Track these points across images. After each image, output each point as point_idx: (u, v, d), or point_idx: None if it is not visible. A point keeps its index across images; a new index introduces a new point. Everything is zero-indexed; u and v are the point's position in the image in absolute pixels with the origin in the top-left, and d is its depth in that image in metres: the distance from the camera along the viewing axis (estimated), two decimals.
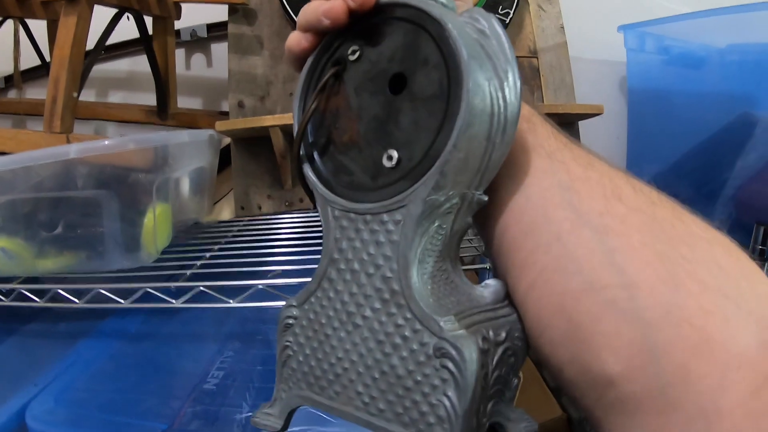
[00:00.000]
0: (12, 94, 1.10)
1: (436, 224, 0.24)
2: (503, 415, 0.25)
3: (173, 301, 0.57)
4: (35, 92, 1.08)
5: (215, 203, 0.84)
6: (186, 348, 0.65)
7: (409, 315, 0.23)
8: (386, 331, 0.24)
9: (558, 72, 0.89)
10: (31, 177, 0.62)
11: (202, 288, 0.56)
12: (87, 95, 1.06)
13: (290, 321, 0.27)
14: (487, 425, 0.24)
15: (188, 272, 0.60)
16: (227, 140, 0.85)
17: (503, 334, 0.24)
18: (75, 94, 0.67)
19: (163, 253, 0.65)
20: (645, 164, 0.97)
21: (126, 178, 0.61)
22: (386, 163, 0.24)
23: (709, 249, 0.22)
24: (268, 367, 0.61)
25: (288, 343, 0.27)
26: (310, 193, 0.27)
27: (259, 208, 0.83)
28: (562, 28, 0.90)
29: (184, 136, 0.63)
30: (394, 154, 0.23)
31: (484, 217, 0.26)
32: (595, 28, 0.97)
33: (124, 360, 0.62)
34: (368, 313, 0.24)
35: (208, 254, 0.65)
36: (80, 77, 0.68)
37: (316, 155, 0.27)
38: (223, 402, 0.55)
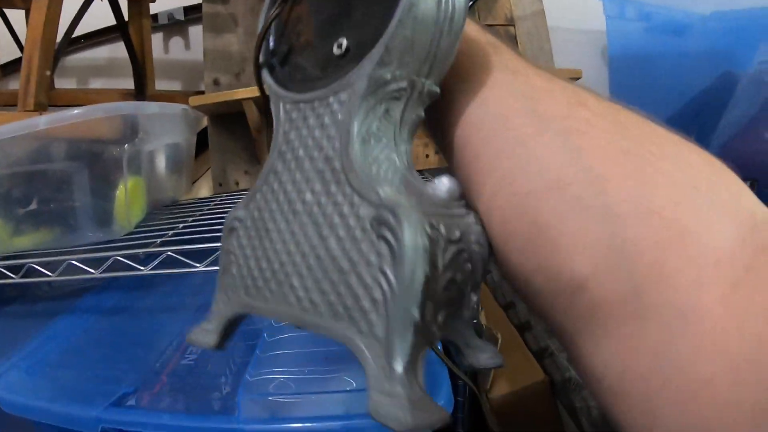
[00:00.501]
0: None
1: (383, 107, 0.23)
2: (462, 336, 0.24)
3: (142, 268, 0.56)
4: (16, 84, 1.09)
5: (194, 182, 0.84)
6: (163, 322, 0.65)
7: (348, 190, 0.22)
8: (324, 213, 0.22)
9: (536, 39, 0.88)
10: (4, 153, 0.63)
11: (169, 253, 0.56)
12: (67, 83, 1.07)
13: (235, 224, 0.26)
14: (440, 339, 0.22)
15: (159, 240, 0.60)
16: (205, 122, 0.85)
17: (457, 233, 0.22)
18: (47, 73, 0.68)
19: (137, 227, 0.65)
20: None
21: (97, 150, 0.61)
22: (336, 51, 0.23)
23: (677, 148, 0.21)
24: (249, 342, 0.60)
25: (230, 248, 0.26)
26: (266, 99, 0.27)
27: (237, 184, 0.83)
28: None
29: (153, 107, 0.63)
30: (343, 41, 0.23)
31: (444, 130, 0.26)
32: None
33: (98, 334, 0.62)
34: (308, 197, 0.23)
35: (180, 225, 0.65)
36: (53, 57, 0.69)
37: (275, 62, 0.27)
38: (200, 377, 0.55)
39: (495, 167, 0.23)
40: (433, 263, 0.20)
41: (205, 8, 0.81)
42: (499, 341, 0.65)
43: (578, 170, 0.20)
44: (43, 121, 0.58)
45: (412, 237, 0.19)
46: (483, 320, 0.68)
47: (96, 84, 1.08)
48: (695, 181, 0.20)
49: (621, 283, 0.19)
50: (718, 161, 0.21)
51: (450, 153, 0.26)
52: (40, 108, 0.67)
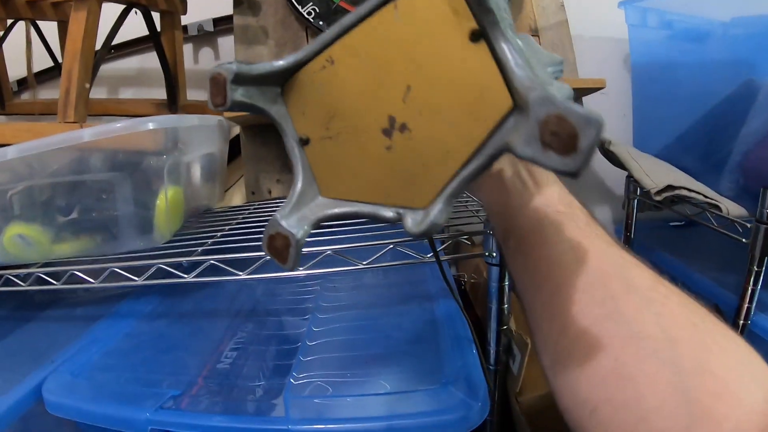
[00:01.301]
0: (26, 96, 1.13)
1: None
2: None
3: (185, 276, 0.58)
4: (48, 93, 1.11)
5: (226, 190, 0.86)
6: (200, 327, 0.66)
7: None
8: None
9: (560, 49, 0.89)
10: (47, 164, 0.64)
11: (212, 261, 0.57)
12: (98, 93, 1.09)
13: None
14: None
15: (200, 249, 0.61)
16: (236, 130, 0.86)
17: None
18: (87, 85, 0.69)
19: (175, 235, 0.66)
20: (651, 139, 0.97)
21: (138, 161, 0.62)
22: None
23: (725, 330, 0.27)
24: (283, 346, 0.62)
25: None
26: None
27: (269, 192, 0.84)
28: (563, 6, 0.91)
29: (193, 119, 0.65)
30: None
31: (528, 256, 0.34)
32: (596, 4, 0.97)
33: (139, 339, 0.63)
34: None
35: (219, 234, 0.67)
36: (92, 69, 0.71)
37: None
38: (237, 379, 0.56)
39: (586, 313, 0.29)
40: None
41: (236, 20, 0.83)
42: (529, 347, 0.66)
43: (657, 329, 0.26)
44: (88, 133, 0.59)
45: None
46: (513, 325, 0.69)
47: (126, 94, 1.10)
48: (738, 355, 0.26)
49: (679, 420, 0.24)
50: (747, 344, 0.28)
51: (524, 281, 0.34)
52: (80, 119, 0.69)
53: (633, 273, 0.29)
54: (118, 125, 0.60)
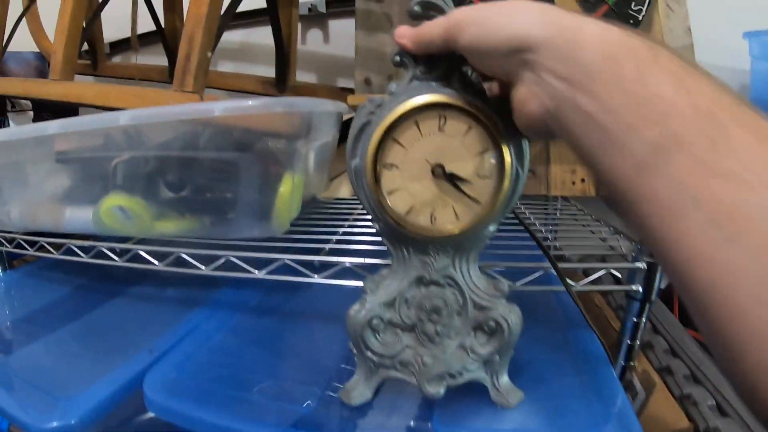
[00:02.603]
0: (117, 59, 1.06)
1: None
2: None
3: (314, 275, 0.52)
4: (147, 59, 1.04)
5: (332, 179, 0.79)
6: (316, 328, 0.59)
7: None
8: None
9: None
10: (162, 135, 0.58)
11: (348, 264, 0.51)
12: None
13: None
14: None
15: (327, 247, 0.55)
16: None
17: None
18: (209, 54, 0.63)
19: (291, 225, 0.60)
20: None
21: (267, 144, 0.56)
22: None
23: None
24: None
25: None
26: None
27: None
28: (689, 30, 0.84)
29: (328, 105, 0.58)
30: None
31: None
32: (722, 32, 0.90)
33: (247, 335, 0.57)
34: None
35: (341, 230, 0.60)
36: (215, 37, 0.64)
37: None
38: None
39: None
40: None
41: (359, 4, 0.76)
42: (657, 385, 0.60)
43: None
44: (220, 108, 0.52)
45: None
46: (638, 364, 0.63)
47: (226, 67, 1.03)
48: None
49: None
50: None
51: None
52: (198, 89, 0.62)
53: None
54: (253, 103, 0.53)
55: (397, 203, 0.39)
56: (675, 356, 0.67)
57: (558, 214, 0.79)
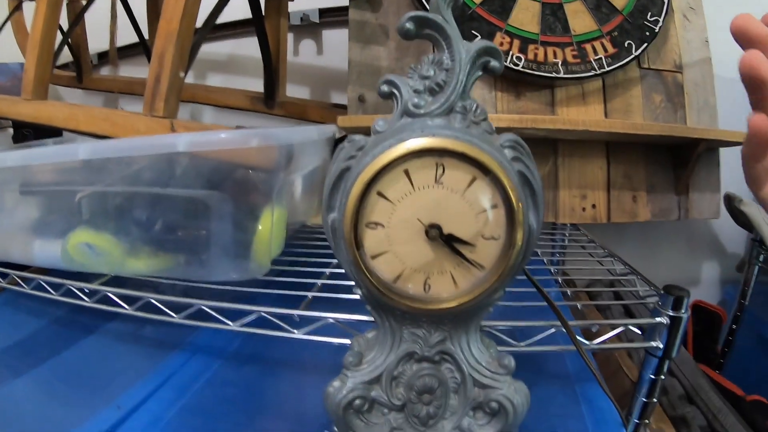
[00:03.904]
0: (106, 71, 0.98)
1: None
2: None
3: (294, 331, 0.44)
4: (130, 70, 0.96)
5: None
6: (300, 379, 0.51)
7: None
8: None
9: (702, 91, 0.74)
10: (127, 166, 0.50)
11: (331, 320, 0.43)
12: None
13: None
14: None
15: (310, 295, 0.47)
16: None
17: None
18: (182, 74, 0.55)
19: (273, 263, 0.52)
20: None
21: (242, 178, 0.48)
22: None
23: None
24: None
25: None
26: None
27: None
28: (707, 41, 0.75)
29: (311, 133, 0.50)
30: None
31: None
32: (736, 44, 0.81)
33: (224, 389, 0.49)
34: None
35: (327, 271, 0.52)
36: (188, 55, 0.56)
37: None
38: None
39: None
40: None
41: (352, 14, 0.67)
42: None
43: None
44: (184, 142, 0.45)
45: None
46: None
47: (214, 80, 0.94)
48: None
49: None
50: None
51: None
52: (170, 115, 0.54)
53: None
54: (223, 136, 0.45)
55: (382, 269, 0.31)
56: (691, 403, 0.59)
57: (566, 242, 0.71)
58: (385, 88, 0.32)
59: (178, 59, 0.54)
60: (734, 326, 0.84)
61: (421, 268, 0.31)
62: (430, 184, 0.30)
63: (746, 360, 0.85)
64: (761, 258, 0.76)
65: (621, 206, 0.70)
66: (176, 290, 0.50)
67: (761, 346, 0.81)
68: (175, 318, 0.48)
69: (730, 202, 0.75)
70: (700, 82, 0.74)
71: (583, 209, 0.69)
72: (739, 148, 0.70)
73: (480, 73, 0.32)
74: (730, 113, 0.78)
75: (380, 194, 0.30)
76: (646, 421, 0.51)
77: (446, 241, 0.30)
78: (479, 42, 0.31)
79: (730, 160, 0.77)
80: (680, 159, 0.71)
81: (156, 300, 0.49)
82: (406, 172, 0.29)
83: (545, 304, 0.44)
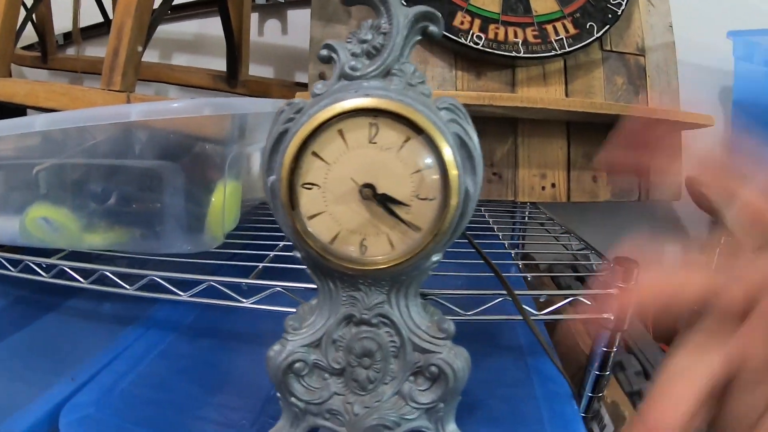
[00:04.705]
0: (71, 51, 0.96)
1: None
2: None
3: (243, 300, 0.43)
4: (95, 50, 0.94)
5: None
6: (255, 351, 0.51)
7: None
8: None
9: (665, 74, 0.74)
10: (83, 139, 0.49)
11: (279, 288, 0.43)
12: (149, 56, 0.92)
13: None
14: None
15: (260, 265, 0.46)
16: None
17: None
18: (140, 49, 0.54)
19: (228, 237, 0.52)
20: None
21: (195, 149, 0.47)
22: None
23: None
24: None
25: None
26: None
27: None
28: (671, 27, 0.76)
29: (266, 105, 0.49)
30: None
31: None
32: (703, 31, 0.82)
33: (177, 361, 0.49)
34: None
35: (280, 243, 0.52)
36: (147, 30, 0.55)
37: None
38: None
39: None
40: None
41: None
42: (626, 420, 0.53)
43: None
44: (137, 111, 0.44)
45: None
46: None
47: (180, 60, 0.93)
48: None
49: None
50: None
51: None
52: (127, 88, 0.53)
53: None
54: (175, 105, 0.45)
55: (319, 230, 0.31)
56: (648, 379, 0.60)
57: (526, 221, 0.72)
58: (324, 52, 0.32)
59: (137, 33, 0.53)
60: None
61: (357, 229, 0.31)
62: (364, 143, 0.30)
63: None
64: (722, 241, 0.77)
65: (581, 186, 0.70)
66: (133, 263, 0.49)
67: None
68: (129, 290, 0.47)
69: (692, 184, 0.75)
70: (663, 66, 0.75)
71: (543, 188, 0.69)
72: (702, 130, 0.71)
73: (419, 37, 0.33)
74: (690, 98, 0.79)
75: (315, 154, 0.30)
76: (600, 394, 0.52)
77: (380, 201, 0.30)
78: (418, 7, 0.31)
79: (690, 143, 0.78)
80: None
81: (111, 272, 0.48)
82: (341, 132, 0.29)
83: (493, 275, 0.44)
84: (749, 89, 0.80)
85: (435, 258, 0.32)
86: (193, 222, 0.48)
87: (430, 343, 0.34)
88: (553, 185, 0.69)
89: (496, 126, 0.66)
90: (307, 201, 0.30)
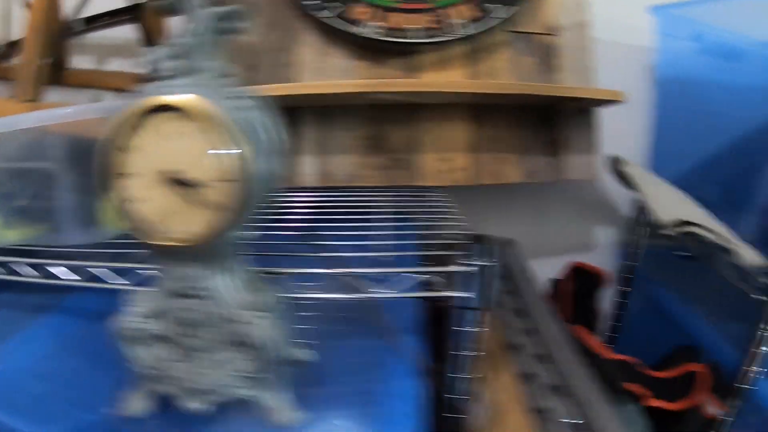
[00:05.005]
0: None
1: None
2: None
3: (126, 282, 0.48)
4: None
5: None
6: None
7: None
8: None
9: (579, 53, 0.75)
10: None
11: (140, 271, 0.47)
12: (87, 62, 0.97)
13: None
14: None
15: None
16: None
17: None
18: (45, 61, 0.59)
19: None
20: (670, 161, 0.82)
21: (87, 149, 0.52)
22: None
23: None
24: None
25: None
26: None
27: None
28: (586, 5, 0.76)
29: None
30: None
31: None
32: (620, 8, 0.81)
33: (73, 341, 0.53)
34: None
35: None
36: (54, 44, 0.59)
37: None
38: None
39: None
40: None
41: None
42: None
43: None
44: (32, 119, 0.50)
45: None
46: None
47: (113, 65, 0.97)
48: None
49: None
50: None
51: None
52: (33, 99, 0.58)
53: None
54: (66, 111, 0.50)
55: (133, 213, 0.35)
56: (545, 361, 0.61)
57: (431, 204, 0.73)
58: (150, 56, 0.36)
59: (40, 48, 0.58)
60: (626, 288, 0.85)
61: (163, 211, 0.34)
62: (167, 134, 0.33)
63: (638, 321, 0.86)
64: (647, 219, 0.78)
65: (489, 168, 0.71)
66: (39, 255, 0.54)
67: (650, 306, 0.83)
68: (35, 279, 0.52)
69: (615, 164, 0.76)
70: (578, 46, 0.76)
71: (450, 172, 0.71)
72: (619, 108, 0.71)
73: (224, 35, 0.36)
74: (611, 77, 0.79)
75: (125, 147, 0.34)
76: (472, 376, 0.52)
77: (181, 184, 0.33)
78: (219, 8, 0.35)
79: (611, 122, 0.78)
80: (551, 120, 0.73)
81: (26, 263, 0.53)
82: (147, 125, 0.33)
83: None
84: (673, 65, 0.80)
85: (237, 233, 0.36)
86: (85, 217, 0.53)
87: (243, 315, 0.37)
88: (464, 169, 0.71)
89: (396, 113, 0.68)
90: (121, 189, 0.34)
